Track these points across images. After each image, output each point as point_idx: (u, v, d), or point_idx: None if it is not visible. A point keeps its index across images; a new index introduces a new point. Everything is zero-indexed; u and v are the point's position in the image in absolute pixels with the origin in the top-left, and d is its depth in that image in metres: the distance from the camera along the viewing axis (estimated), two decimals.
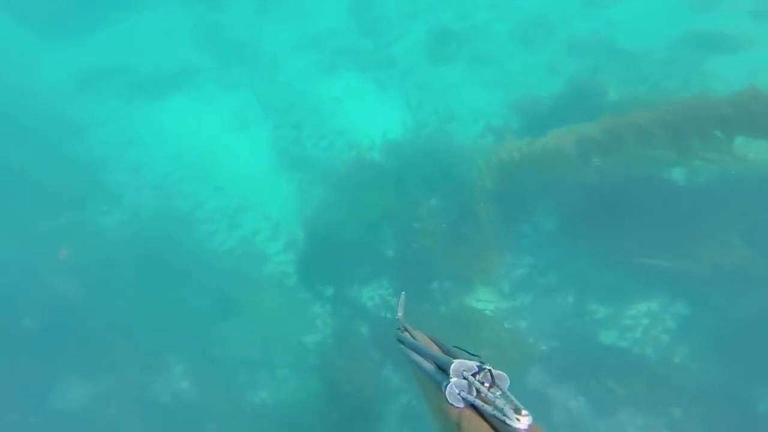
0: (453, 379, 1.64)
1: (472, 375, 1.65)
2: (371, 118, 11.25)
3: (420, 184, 10.03)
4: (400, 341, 2.49)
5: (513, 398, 1.48)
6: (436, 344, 2.31)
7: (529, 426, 1.35)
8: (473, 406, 1.61)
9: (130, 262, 10.17)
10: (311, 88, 12.09)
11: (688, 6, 12.33)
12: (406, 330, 2.61)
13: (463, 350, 2.04)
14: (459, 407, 1.62)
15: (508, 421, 1.36)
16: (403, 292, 2.87)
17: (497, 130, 10.54)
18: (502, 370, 1.59)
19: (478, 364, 1.71)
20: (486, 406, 1.54)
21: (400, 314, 2.80)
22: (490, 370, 1.64)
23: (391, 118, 11.11)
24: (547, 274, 9.22)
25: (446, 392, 1.63)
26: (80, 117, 12.22)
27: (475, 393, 1.62)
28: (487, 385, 1.61)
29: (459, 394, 1.63)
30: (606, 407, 7.77)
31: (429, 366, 1.95)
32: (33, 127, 11.90)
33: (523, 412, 1.38)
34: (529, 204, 9.53)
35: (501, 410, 1.41)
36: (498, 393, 1.55)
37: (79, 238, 10.43)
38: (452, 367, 1.66)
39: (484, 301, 9.24)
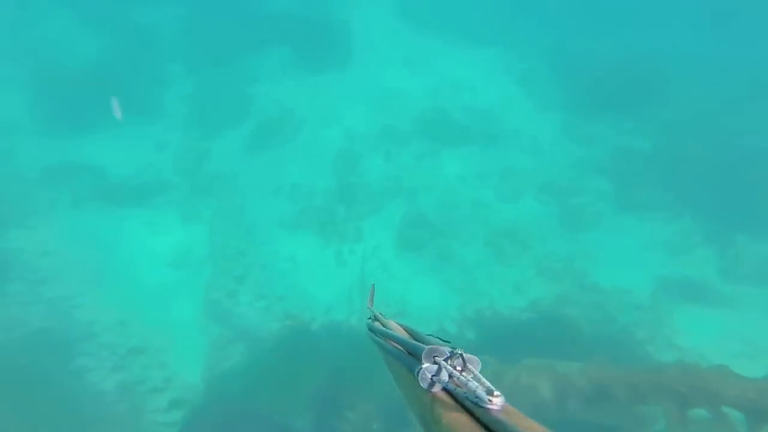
0: (425, 364, 1.40)
1: (444, 359, 1.39)
2: (319, 290, 10.43)
3: (357, 378, 8.81)
4: (371, 330, 2.38)
5: (485, 381, 1.31)
6: (408, 332, 2.14)
7: (502, 407, 1.20)
8: (446, 390, 1.42)
9: None
10: (268, 241, 11.49)
11: (663, 247, 12.50)
12: (377, 319, 2.52)
13: (436, 337, 1.75)
14: (432, 392, 1.40)
15: (480, 402, 1.20)
16: (373, 283, 2.93)
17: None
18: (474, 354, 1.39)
19: (450, 348, 1.45)
20: (459, 389, 1.31)
21: (370, 304, 2.80)
22: (461, 354, 1.41)
23: (340, 297, 10.28)
24: None
25: (419, 377, 1.40)
26: (19, 210, 11.37)
27: (447, 377, 1.43)
28: (459, 368, 1.36)
29: (431, 378, 1.41)
30: None
31: (401, 353, 1.75)
32: None
33: (496, 393, 1.22)
34: None
35: (473, 392, 1.23)
36: (470, 376, 1.34)
37: None
38: (424, 352, 1.41)
39: None
